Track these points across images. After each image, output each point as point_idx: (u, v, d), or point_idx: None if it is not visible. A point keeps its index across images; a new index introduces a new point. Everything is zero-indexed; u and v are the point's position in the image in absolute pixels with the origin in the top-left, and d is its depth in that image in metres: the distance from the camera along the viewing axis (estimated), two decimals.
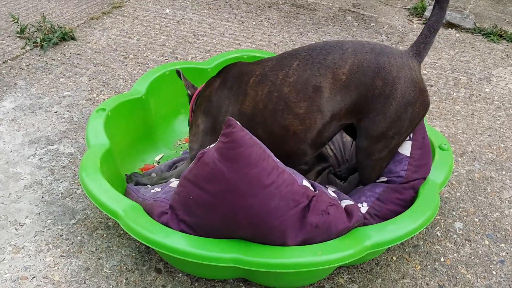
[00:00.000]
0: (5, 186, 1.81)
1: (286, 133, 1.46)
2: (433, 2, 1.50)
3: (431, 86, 2.60)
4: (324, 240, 1.31)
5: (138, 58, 2.72)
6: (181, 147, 2.07)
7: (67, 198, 1.77)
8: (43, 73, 2.53)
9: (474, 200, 1.85)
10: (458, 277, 1.54)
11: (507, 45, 3.08)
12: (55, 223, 1.66)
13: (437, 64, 2.82)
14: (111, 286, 1.46)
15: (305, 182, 1.37)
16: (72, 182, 1.84)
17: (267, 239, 1.29)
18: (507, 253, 1.64)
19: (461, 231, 1.71)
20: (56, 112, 2.24)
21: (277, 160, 1.34)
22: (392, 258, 1.59)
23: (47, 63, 2.63)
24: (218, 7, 3.42)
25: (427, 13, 3.39)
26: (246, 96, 1.50)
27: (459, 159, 2.07)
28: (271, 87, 1.46)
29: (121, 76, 2.54)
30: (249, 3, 3.51)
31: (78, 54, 2.73)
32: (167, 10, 3.34)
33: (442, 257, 1.61)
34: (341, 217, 1.35)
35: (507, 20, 3.44)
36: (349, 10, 3.50)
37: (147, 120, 2.00)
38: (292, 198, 1.29)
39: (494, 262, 1.60)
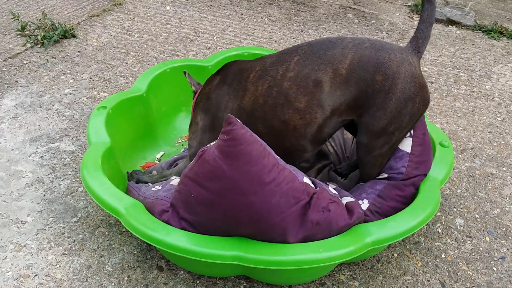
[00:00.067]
0: (6, 184, 1.81)
1: (286, 128, 1.46)
2: None
3: (432, 83, 2.60)
4: (325, 237, 1.32)
5: (138, 56, 2.72)
6: (182, 145, 2.07)
7: (68, 196, 1.77)
8: (44, 71, 2.53)
9: (475, 197, 1.86)
10: (459, 274, 1.55)
11: (508, 42, 3.08)
12: (56, 221, 1.67)
13: (437, 61, 2.82)
14: (113, 284, 1.46)
15: (306, 179, 1.37)
16: (74, 180, 1.84)
17: (268, 237, 1.29)
18: (507, 249, 1.64)
19: (462, 228, 1.72)
20: (57, 109, 2.24)
21: (278, 157, 1.34)
22: (393, 254, 1.60)
23: (47, 61, 2.63)
24: (219, 4, 3.41)
25: None
26: (246, 91, 1.51)
27: (460, 155, 2.07)
28: (271, 82, 1.47)
29: (122, 74, 2.54)
30: (249, 0, 3.51)
31: (78, 51, 2.74)
32: (168, 8, 3.34)
33: (443, 254, 1.61)
34: (342, 214, 1.36)
35: (507, 17, 3.43)
36: (350, 7, 3.50)
37: (148, 118, 2.00)
38: (293, 195, 1.29)
39: (495, 259, 1.60)
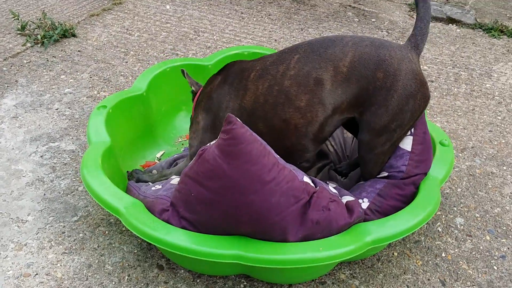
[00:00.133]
0: (7, 183, 1.82)
1: (287, 127, 1.46)
2: None
3: (432, 81, 2.60)
4: (325, 236, 1.32)
5: (138, 55, 2.72)
6: (182, 144, 2.07)
7: (69, 195, 1.77)
8: (44, 70, 2.53)
9: (475, 196, 1.86)
10: (459, 273, 1.55)
11: (508, 41, 3.08)
12: (57, 220, 1.67)
13: (437, 60, 2.81)
14: (113, 283, 1.46)
15: (306, 178, 1.37)
16: (74, 179, 1.84)
17: (268, 236, 1.29)
18: (508, 248, 1.64)
19: (462, 227, 1.72)
20: (57, 109, 2.24)
21: (278, 156, 1.34)
22: (393, 253, 1.60)
23: (48, 60, 2.63)
24: (219, 3, 3.41)
25: None
26: (246, 91, 1.51)
27: (460, 154, 2.07)
28: (271, 81, 1.47)
29: (122, 73, 2.54)
30: None
31: (78, 51, 2.73)
32: (168, 7, 3.33)
33: (443, 253, 1.61)
34: (342, 213, 1.36)
35: (508, 15, 3.43)
36: (350, 5, 3.50)
37: (148, 117, 2.01)
38: (293, 194, 1.29)
39: (495, 258, 1.60)
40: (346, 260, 1.47)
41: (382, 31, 3.13)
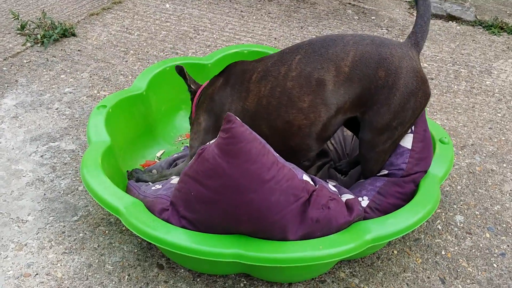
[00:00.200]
0: (7, 183, 1.82)
1: (291, 128, 1.46)
2: None
3: (432, 79, 2.59)
4: (325, 235, 1.32)
5: (138, 54, 2.72)
6: (182, 143, 2.07)
7: (69, 195, 1.78)
8: (44, 70, 2.53)
9: (475, 193, 1.86)
10: (459, 270, 1.55)
11: (508, 38, 3.07)
12: (57, 220, 1.67)
13: (437, 57, 2.81)
14: (113, 282, 1.47)
15: (305, 177, 1.38)
16: (74, 179, 1.85)
17: (268, 234, 1.30)
18: (508, 245, 1.64)
19: (462, 224, 1.72)
20: (57, 108, 2.24)
21: (277, 155, 1.34)
22: (393, 251, 1.60)
23: (47, 60, 2.63)
24: (218, 2, 3.41)
25: None
26: (249, 93, 1.51)
27: (460, 152, 2.07)
28: (273, 83, 1.47)
29: (122, 72, 2.54)
30: None
31: (78, 50, 2.74)
32: (167, 5, 3.33)
33: (443, 250, 1.61)
34: (342, 211, 1.36)
35: (508, 12, 3.43)
36: (350, 3, 3.49)
37: (148, 116, 2.01)
38: (293, 193, 1.29)
39: (495, 255, 1.60)
40: (346, 259, 1.48)
41: (382, 29, 3.13)
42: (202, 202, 1.31)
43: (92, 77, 2.49)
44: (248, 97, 1.51)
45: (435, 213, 1.74)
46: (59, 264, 1.52)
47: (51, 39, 2.77)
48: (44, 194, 1.77)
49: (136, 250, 1.57)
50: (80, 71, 2.54)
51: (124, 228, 1.64)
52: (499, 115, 2.32)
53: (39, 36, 2.77)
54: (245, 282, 1.48)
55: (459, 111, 2.34)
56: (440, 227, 1.70)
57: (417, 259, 1.58)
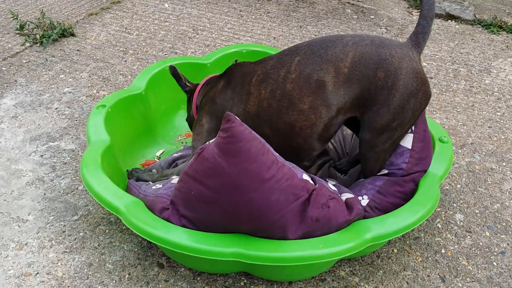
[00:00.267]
0: (7, 183, 1.82)
1: (292, 129, 1.46)
2: None
3: (431, 78, 2.60)
4: (325, 234, 1.32)
5: (137, 54, 2.72)
6: (182, 142, 2.07)
7: (69, 195, 1.78)
8: (43, 70, 2.53)
9: (475, 192, 1.86)
10: (459, 269, 1.55)
11: (507, 36, 3.08)
12: (57, 220, 1.67)
13: (437, 56, 2.81)
14: (114, 281, 1.47)
15: (305, 176, 1.38)
16: (74, 179, 1.85)
17: (268, 233, 1.30)
18: (507, 244, 1.64)
19: (461, 223, 1.72)
20: (56, 108, 2.24)
21: (277, 154, 1.34)
22: (393, 250, 1.60)
23: (47, 60, 2.63)
24: (217, 1, 3.41)
25: None
26: (249, 95, 1.51)
27: (460, 151, 2.07)
28: (273, 85, 1.47)
29: (121, 72, 2.54)
30: None
31: (77, 50, 2.74)
32: (166, 5, 3.33)
33: (443, 249, 1.61)
34: (342, 210, 1.36)
35: (507, 11, 3.43)
36: (349, 2, 3.49)
37: (147, 116, 2.01)
38: (292, 192, 1.29)
39: (495, 253, 1.61)
40: (346, 257, 1.48)
41: (381, 28, 3.13)
42: (202, 201, 1.31)
43: (91, 77, 2.49)
44: (249, 99, 1.51)
45: (435, 212, 1.74)
46: (59, 263, 1.52)
47: (50, 39, 2.77)
48: (44, 194, 1.77)
49: (136, 249, 1.57)
50: (79, 71, 2.54)
51: (124, 227, 1.64)
52: (499, 114, 2.33)
53: (38, 36, 2.77)
54: (245, 281, 1.48)
55: (459, 110, 2.35)
56: (440, 226, 1.70)
57: (417, 258, 1.58)
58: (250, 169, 1.26)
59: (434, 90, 2.49)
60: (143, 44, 2.82)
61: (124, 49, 2.76)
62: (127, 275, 1.49)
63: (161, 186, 1.56)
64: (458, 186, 1.89)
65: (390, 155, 1.55)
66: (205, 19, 3.16)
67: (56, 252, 1.56)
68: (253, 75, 1.52)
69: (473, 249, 1.62)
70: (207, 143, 1.36)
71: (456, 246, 1.63)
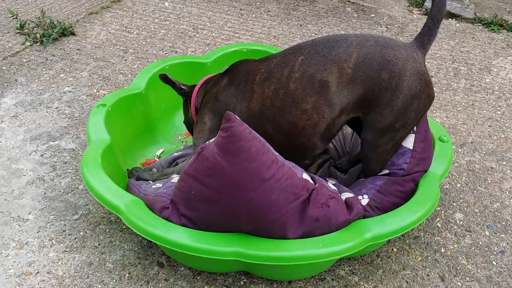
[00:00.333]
0: (7, 182, 1.82)
1: (295, 128, 1.47)
2: None
3: (431, 77, 2.60)
4: (325, 233, 1.32)
5: (137, 53, 2.72)
6: (182, 142, 2.08)
7: (69, 194, 1.78)
8: (43, 69, 2.54)
9: (475, 191, 1.86)
10: (458, 268, 1.55)
11: (508, 35, 3.07)
12: (58, 219, 1.68)
13: (437, 55, 2.81)
14: (114, 281, 1.47)
15: (305, 175, 1.38)
16: (74, 178, 1.85)
17: (268, 233, 1.30)
18: (507, 243, 1.64)
19: (461, 222, 1.72)
20: (57, 108, 2.24)
21: (277, 153, 1.35)
22: (392, 249, 1.60)
23: (47, 59, 2.63)
24: (217, 0, 3.41)
25: (427, 4, 3.37)
26: (253, 93, 1.51)
27: (460, 150, 2.07)
28: (277, 84, 1.47)
29: (121, 71, 2.54)
30: None
31: (78, 49, 2.74)
32: (166, 4, 3.33)
33: (442, 248, 1.62)
34: (341, 210, 1.36)
35: (507, 9, 3.43)
36: (349, 1, 3.49)
37: (147, 115, 2.01)
38: (292, 191, 1.30)
39: (495, 253, 1.61)
40: (345, 257, 1.48)
41: (381, 27, 3.13)
42: (202, 201, 1.32)
43: (91, 76, 2.49)
44: (253, 98, 1.51)
45: (434, 211, 1.74)
46: (60, 263, 1.52)
47: (50, 38, 2.77)
48: (45, 193, 1.78)
49: (136, 249, 1.58)
50: (79, 70, 2.54)
51: (124, 227, 1.64)
52: (499, 112, 2.33)
53: (38, 35, 2.77)
54: (245, 280, 1.49)
55: (459, 109, 2.34)
56: (439, 225, 1.70)
57: (416, 257, 1.58)
58: (250, 168, 1.26)
59: (435, 89, 2.49)
60: (143, 43, 2.82)
61: (125, 48, 2.76)
62: (127, 274, 1.49)
63: (161, 185, 1.56)
64: (458, 185, 1.89)
65: (391, 156, 1.55)
66: (205, 18, 3.16)
67: (57, 251, 1.56)
68: (257, 73, 1.52)
69: (473, 248, 1.62)
70: (207, 142, 1.36)
71: (455, 246, 1.63)
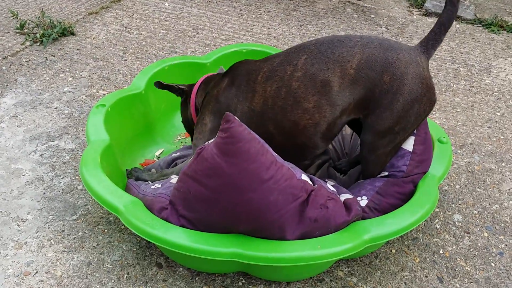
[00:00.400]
0: (7, 182, 1.82)
1: (297, 127, 1.47)
2: None
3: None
4: (323, 234, 1.32)
5: (137, 53, 2.72)
6: (181, 142, 2.08)
7: (68, 194, 1.78)
8: (43, 69, 2.54)
9: (474, 192, 1.86)
10: (457, 269, 1.55)
11: (508, 36, 3.07)
12: (56, 219, 1.68)
13: (437, 56, 2.81)
14: (112, 281, 1.47)
15: (304, 177, 1.38)
16: (73, 178, 1.85)
17: (267, 233, 1.30)
18: (506, 245, 1.64)
19: (460, 224, 1.72)
20: (56, 108, 2.24)
21: (276, 154, 1.35)
22: (391, 251, 1.60)
23: (47, 59, 2.63)
24: (217, 0, 3.41)
25: (427, 5, 3.37)
26: (255, 93, 1.51)
27: (459, 151, 2.07)
28: (279, 83, 1.47)
29: (121, 71, 2.54)
30: None
31: (77, 49, 2.74)
32: (166, 4, 3.33)
33: (441, 250, 1.62)
34: (340, 211, 1.36)
35: (507, 10, 3.43)
36: (349, 1, 3.49)
37: (147, 115, 2.01)
38: (291, 192, 1.30)
39: (493, 254, 1.61)
40: (344, 258, 1.48)
41: (381, 27, 3.13)
42: (201, 201, 1.32)
43: (91, 76, 2.49)
44: (254, 97, 1.51)
45: (433, 212, 1.74)
46: (58, 263, 1.52)
47: (50, 38, 2.77)
48: (44, 193, 1.78)
49: (135, 249, 1.58)
50: (79, 70, 2.54)
51: (123, 227, 1.64)
52: (498, 114, 2.33)
53: (38, 35, 2.77)
54: (243, 280, 1.49)
55: (458, 110, 2.34)
56: (438, 226, 1.70)
57: (415, 258, 1.58)
58: (249, 169, 1.26)
59: None
60: (143, 43, 2.83)
61: (124, 48, 2.76)
62: (125, 275, 1.49)
63: (160, 185, 1.56)
64: (457, 186, 1.89)
65: (391, 158, 1.55)
66: (205, 18, 3.16)
67: (55, 252, 1.56)
68: (259, 73, 1.52)
69: (471, 250, 1.62)
70: (207, 143, 1.36)
71: (454, 247, 1.63)
